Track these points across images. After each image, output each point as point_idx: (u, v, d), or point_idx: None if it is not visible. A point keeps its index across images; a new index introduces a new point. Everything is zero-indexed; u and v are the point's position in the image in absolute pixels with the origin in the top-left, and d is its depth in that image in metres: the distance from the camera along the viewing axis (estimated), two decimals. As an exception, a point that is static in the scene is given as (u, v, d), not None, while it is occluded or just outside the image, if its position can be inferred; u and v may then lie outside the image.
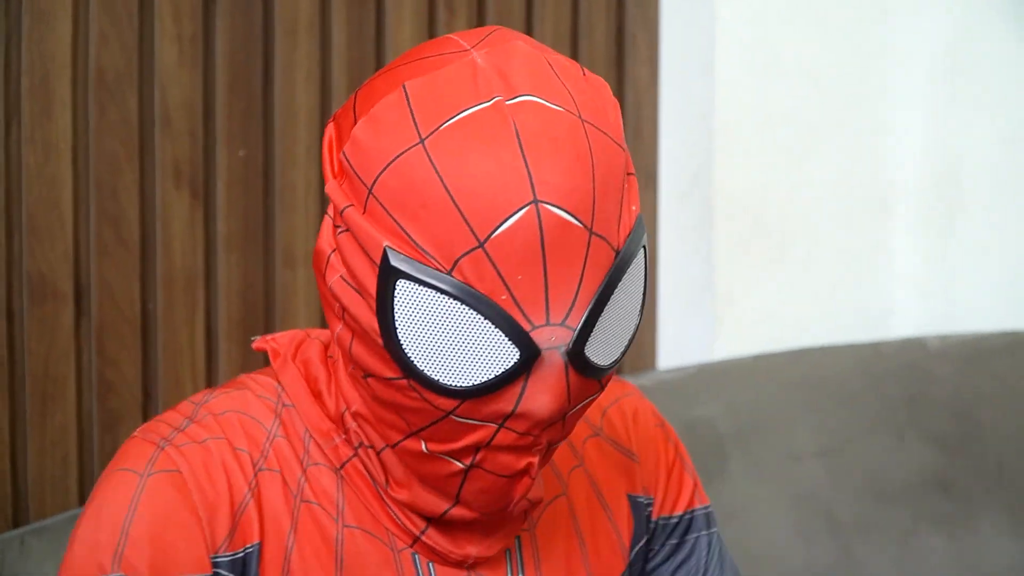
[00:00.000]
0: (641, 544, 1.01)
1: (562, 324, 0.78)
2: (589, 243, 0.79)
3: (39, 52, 1.34)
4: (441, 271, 0.78)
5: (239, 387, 0.94)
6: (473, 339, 0.79)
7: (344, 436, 0.91)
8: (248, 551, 0.88)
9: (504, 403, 0.80)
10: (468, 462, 0.84)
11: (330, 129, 0.85)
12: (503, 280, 0.78)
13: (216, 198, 1.45)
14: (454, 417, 0.82)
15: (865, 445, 1.59)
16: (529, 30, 1.71)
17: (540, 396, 0.80)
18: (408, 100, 0.79)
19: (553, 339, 0.79)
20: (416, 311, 0.79)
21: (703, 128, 1.82)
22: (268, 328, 1.57)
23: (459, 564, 0.91)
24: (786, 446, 1.56)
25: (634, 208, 0.82)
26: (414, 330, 0.80)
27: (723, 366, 1.58)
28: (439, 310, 0.79)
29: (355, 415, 0.90)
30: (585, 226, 0.78)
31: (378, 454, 0.90)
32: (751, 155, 1.83)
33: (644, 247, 0.82)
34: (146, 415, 1.48)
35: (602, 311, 0.80)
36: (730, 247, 1.74)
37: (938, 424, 1.63)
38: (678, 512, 1.03)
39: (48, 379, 1.37)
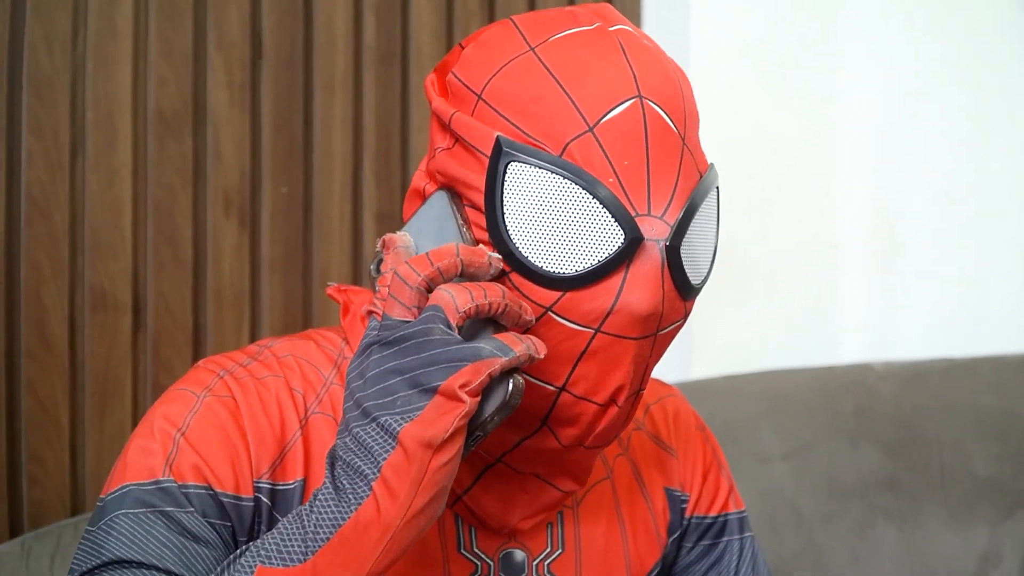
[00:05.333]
0: (675, 536, 0.95)
1: (661, 218, 0.73)
2: (682, 152, 0.75)
3: (104, 91, 1.33)
4: (551, 154, 0.73)
5: (304, 338, 0.87)
6: (581, 221, 0.72)
7: None
8: (293, 485, 0.81)
9: (604, 298, 0.73)
10: (560, 384, 0.75)
11: (431, 77, 0.83)
12: (611, 164, 0.73)
13: (261, 226, 1.44)
14: (552, 315, 0.74)
15: (822, 450, 1.58)
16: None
17: (639, 290, 0.73)
18: (516, 25, 0.78)
19: (654, 231, 0.73)
20: (525, 194, 0.73)
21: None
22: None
23: (498, 531, 0.83)
24: (755, 450, 1.56)
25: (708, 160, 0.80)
26: (522, 215, 0.73)
27: (699, 384, 1.58)
28: (549, 191, 0.72)
29: None
30: (679, 134, 0.75)
31: None
32: (721, 209, 1.79)
33: (717, 188, 0.78)
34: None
35: (692, 218, 0.75)
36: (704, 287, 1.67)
37: (885, 433, 1.61)
38: (713, 514, 0.96)
39: (108, 381, 1.34)
